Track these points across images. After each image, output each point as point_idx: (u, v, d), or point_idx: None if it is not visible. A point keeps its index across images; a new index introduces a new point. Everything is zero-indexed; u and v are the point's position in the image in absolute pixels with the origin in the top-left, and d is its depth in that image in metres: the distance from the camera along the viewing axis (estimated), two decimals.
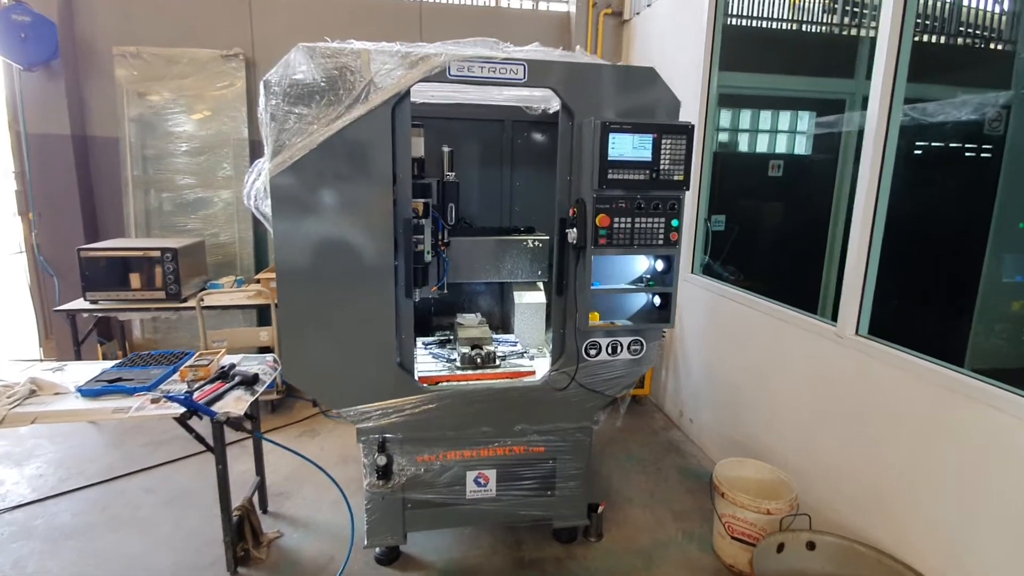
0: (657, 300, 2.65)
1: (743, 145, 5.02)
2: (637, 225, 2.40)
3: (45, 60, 4.66)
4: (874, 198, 2.61)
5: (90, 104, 4.97)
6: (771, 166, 4.48)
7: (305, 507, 3.35)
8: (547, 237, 3.15)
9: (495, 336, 3.32)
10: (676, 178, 2.35)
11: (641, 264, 2.66)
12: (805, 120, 4.95)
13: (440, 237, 2.92)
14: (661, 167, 2.32)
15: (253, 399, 2.61)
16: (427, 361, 3.00)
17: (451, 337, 3.31)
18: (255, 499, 3.20)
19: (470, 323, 3.23)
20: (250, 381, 2.67)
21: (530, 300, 3.34)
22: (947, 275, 4.01)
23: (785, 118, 4.93)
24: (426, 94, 3.08)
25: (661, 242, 2.44)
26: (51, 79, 4.76)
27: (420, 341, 3.28)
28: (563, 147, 2.50)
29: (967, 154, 4.06)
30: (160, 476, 3.66)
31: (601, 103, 2.42)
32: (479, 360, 2.88)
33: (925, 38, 4.26)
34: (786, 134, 5.00)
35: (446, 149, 3.05)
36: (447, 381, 2.82)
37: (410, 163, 2.39)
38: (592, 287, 2.48)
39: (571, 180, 2.51)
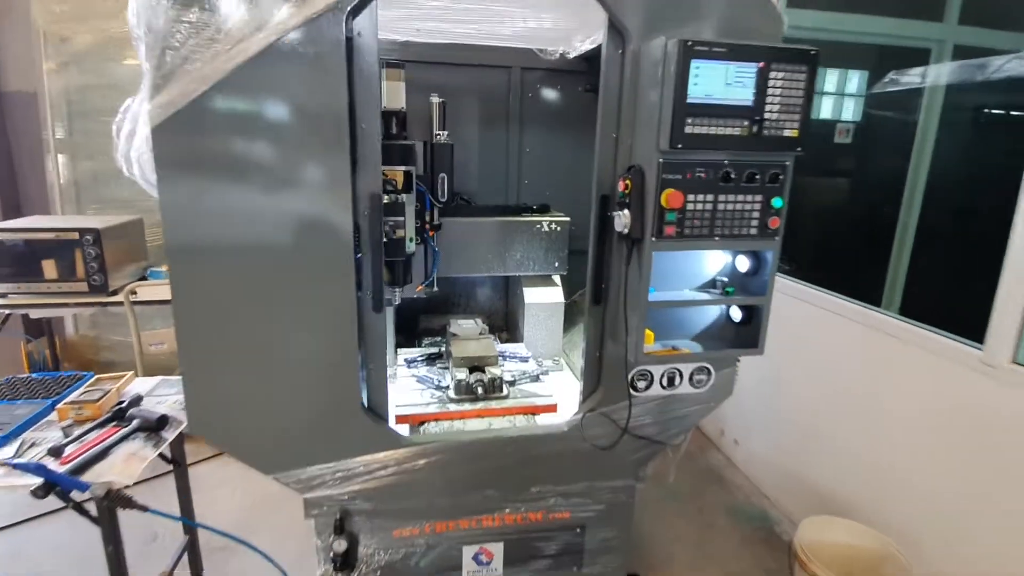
0: (737, 314, 1.85)
1: None
2: (721, 206, 1.59)
3: None
4: None
5: (3, 52, 4.06)
6: (838, 131, 3.65)
7: (255, 568, 2.58)
8: (566, 219, 2.47)
9: (499, 347, 2.54)
10: (788, 133, 1.53)
11: (713, 262, 1.86)
12: (863, 76, 4.10)
13: (428, 219, 2.18)
14: (767, 116, 1.50)
15: (156, 453, 1.82)
16: (409, 388, 2.22)
17: (442, 350, 2.52)
18: (185, 561, 2.44)
19: (468, 334, 2.44)
20: (154, 427, 1.87)
21: (544, 299, 2.59)
22: None
23: (847, 72, 4.07)
24: (408, 27, 2.27)
25: (755, 231, 1.63)
26: None
27: (402, 356, 2.49)
28: (608, 89, 1.67)
29: None
30: (49, 531, 2.83)
31: (667, 20, 1.58)
32: (480, 389, 2.10)
33: None
34: (840, 92, 4.14)
35: (436, 100, 2.25)
36: (436, 420, 2.04)
37: (378, 110, 1.57)
38: (649, 296, 1.68)
39: (618, 138, 1.70)
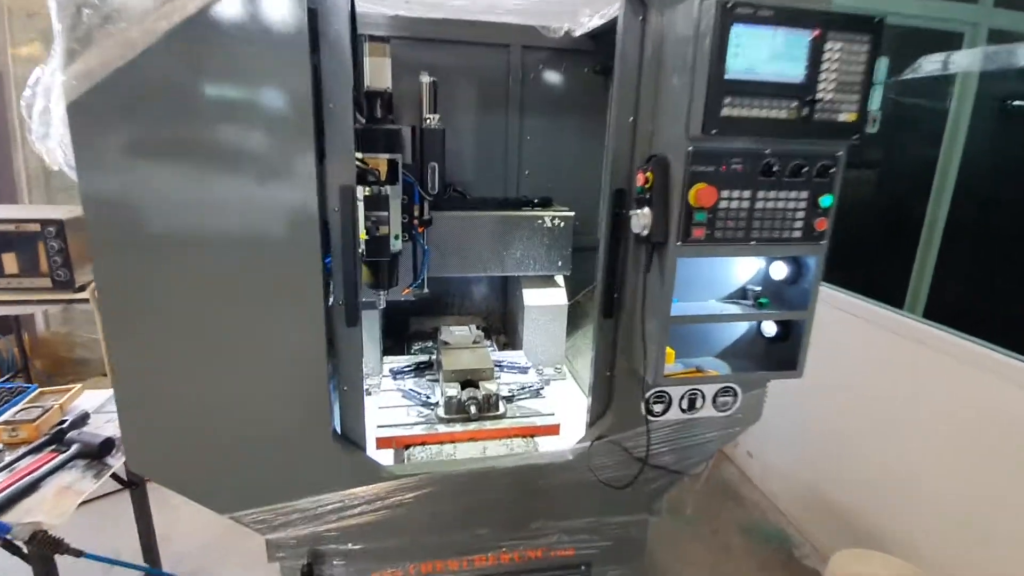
0: (771, 329, 1.60)
1: None
2: (760, 204, 1.33)
3: None
4: None
5: None
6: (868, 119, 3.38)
7: None
8: (571, 213, 2.27)
9: (496, 355, 2.30)
10: (844, 118, 1.28)
11: (742, 268, 1.61)
12: (881, 62, 3.82)
13: (417, 213, 1.94)
14: (820, 96, 1.25)
15: (96, 486, 1.57)
16: (394, 404, 1.97)
17: (433, 358, 2.28)
18: None
19: (461, 342, 2.19)
20: (95, 452, 1.62)
21: (545, 301, 2.36)
22: None
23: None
24: None
25: (798, 234, 1.38)
26: None
27: (388, 366, 2.25)
28: (625, 64, 1.41)
29: None
30: None
31: None
32: (473, 408, 1.85)
33: None
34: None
35: (426, 79, 2.00)
36: (423, 443, 1.80)
37: (350, 86, 1.31)
38: (672, 309, 1.42)
39: (637, 123, 1.44)
